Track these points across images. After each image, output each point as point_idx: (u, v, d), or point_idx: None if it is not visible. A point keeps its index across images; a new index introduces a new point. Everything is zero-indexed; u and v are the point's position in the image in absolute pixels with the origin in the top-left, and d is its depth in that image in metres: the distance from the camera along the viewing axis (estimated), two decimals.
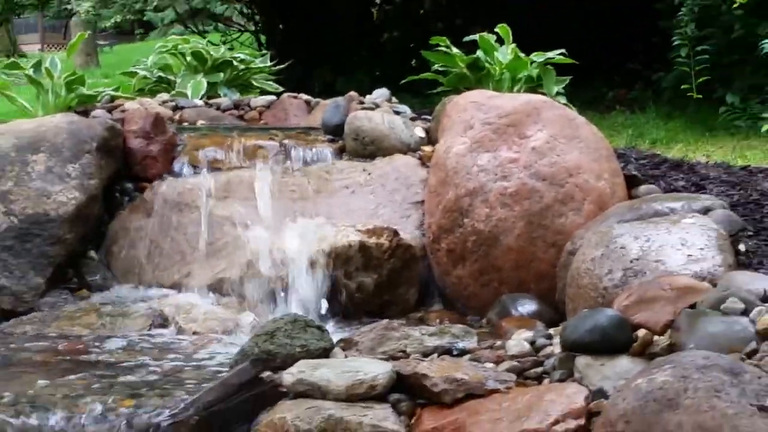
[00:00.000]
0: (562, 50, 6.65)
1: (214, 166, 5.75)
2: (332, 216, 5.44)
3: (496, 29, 6.68)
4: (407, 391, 3.85)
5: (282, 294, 5.13)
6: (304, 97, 6.98)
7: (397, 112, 6.22)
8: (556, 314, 4.76)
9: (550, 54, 6.58)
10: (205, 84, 7.15)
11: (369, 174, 5.70)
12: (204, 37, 11.52)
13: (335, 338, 4.33)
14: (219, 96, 7.16)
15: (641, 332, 3.83)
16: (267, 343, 4.05)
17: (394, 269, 5.22)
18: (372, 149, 5.80)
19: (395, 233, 5.23)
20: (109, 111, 6.25)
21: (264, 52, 9.54)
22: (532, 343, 4.15)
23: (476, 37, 6.60)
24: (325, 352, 4.13)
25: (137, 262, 5.57)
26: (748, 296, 3.82)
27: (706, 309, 3.83)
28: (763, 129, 7.51)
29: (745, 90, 8.56)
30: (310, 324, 4.19)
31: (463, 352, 4.22)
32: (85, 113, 6.15)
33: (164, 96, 7.00)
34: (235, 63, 7.52)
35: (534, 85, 6.48)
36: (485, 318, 4.97)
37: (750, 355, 3.59)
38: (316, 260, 5.11)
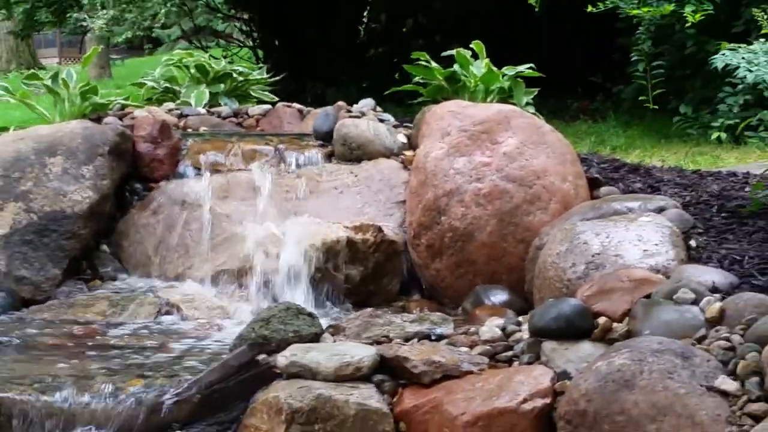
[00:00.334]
0: (531, 65, 6.66)
1: (215, 169, 5.73)
2: (322, 214, 5.43)
3: (471, 45, 6.68)
4: (390, 373, 3.86)
5: (276, 284, 5.12)
6: (297, 106, 6.96)
7: (382, 120, 6.21)
8: (524, 303, 4.76)
9: (520, 68, 6.58)
10: (207, 94, 7.13)
11: (356, 176, 5.69)
12: (206, 52, 11.50)
13: (325, 324, 4.34)
14: (220, 105, 7.14)
15: (601, 320, 3.84)
16: (263, 329, 4.06)
17: (378, 262, 5.21)
18: (358, 153, 5.79)
19: (379, 230, 5.23)
20: (120, 118, 6.23)
21: (261, 65, 9.56)
22: (503, 329, 4.15)
23: (453, 52, 6.59)
24: (316, 337, 4.13)
25: (145, 256, 5.55)
26: (698, 287, 3.83)
27: (660, 299, 3.84)
28: (713, 137, 7.52)
29: (697, 101, 8.57)
30: (302, 311, 4.19)
31: (440, 338, 4.22)
32: (98, 120, 6.13)
33: (170, 105, 6.98)
34: (234, 75, 7.51)
35: (505, 96, 6.47)
36: (460, 307, 4.96)
37: (700, 340, 3.60)
38: (308, 254, 5.10)
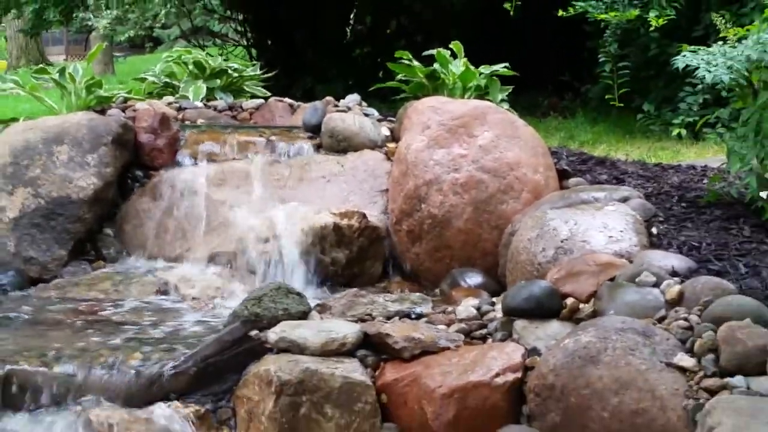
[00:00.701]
0: (506, 64, 6.64)
1: (212, 158, 5.72)
2: (310, 201, 5.42)
3: (451, 45, 6.66)
4: (373, 348, 3.87)
5: (268, 265, 5.12)
6: (288, 100, 6.93)
7: (367, 114, 6.19)
8: (498, 285, 4.76)
9: (495, 67, 6.57)
10: (205, 89, 7.10)
11: (342, 166, 5.68)
12: (204, 50, 11.45)
13: (312, 303, 4.34)
14: (216, 99, 7.10)
15: (569, 300, 3.86)
16: (255, 307, 4.06)
17: (362, 246, 5.21)
18: (345, 145, 5.78)
19: (364, 216, 5.22)
20: (123, 110, 6.20)
21: (254, 62, 9.50)
22: (478, 309, 4.17)
23: (434, 52, 6.58)
24: (304, 315, 4.13)
25: (145, 239, 5.53)
26: (659, 271, 3.84)
27: (623, 281, 3.85)
28: (674, 133, 7.53)
29: (659, 100, 8.58)
30: (291, 291, 4.19)
31: (419, 316, 4.24)
32: (102, 112, 6.10)
33: (169, 98, 6.94)
34: (230, 71, 7.47)
35: (482, 93, 6.46)
36: (438, 288, 4.96)
37: (660, 320, 3.61)
38: (297, 238, 5.10)
